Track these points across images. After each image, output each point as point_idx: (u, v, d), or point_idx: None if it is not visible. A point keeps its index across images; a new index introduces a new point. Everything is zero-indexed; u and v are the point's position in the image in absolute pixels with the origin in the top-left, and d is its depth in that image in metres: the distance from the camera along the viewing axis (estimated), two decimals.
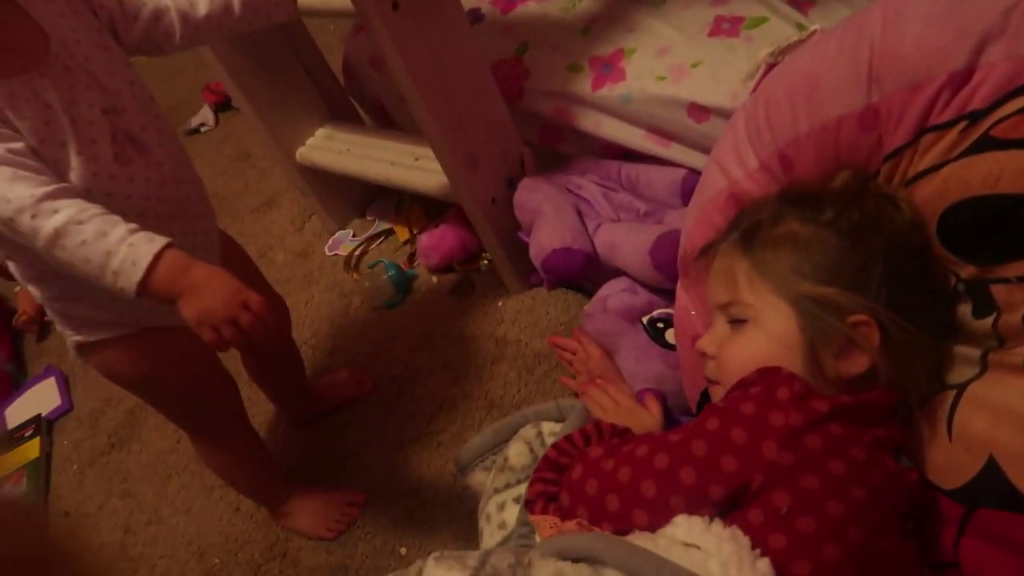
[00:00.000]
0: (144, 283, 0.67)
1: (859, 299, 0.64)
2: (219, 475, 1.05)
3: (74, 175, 0.72)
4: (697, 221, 0.85)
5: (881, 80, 0.72)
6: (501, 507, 0.87)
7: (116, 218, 0.68)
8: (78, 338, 0.84)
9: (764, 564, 0.54)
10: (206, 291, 0.69)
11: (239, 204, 1.73)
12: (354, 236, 1.50)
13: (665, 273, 0.93)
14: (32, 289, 0.81)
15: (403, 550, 1.02)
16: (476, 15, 1.29)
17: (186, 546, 1.15)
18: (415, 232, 1.43)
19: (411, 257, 1.40)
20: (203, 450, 1.01)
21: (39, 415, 1.43)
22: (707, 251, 0.78)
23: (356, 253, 1.45)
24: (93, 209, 0.67)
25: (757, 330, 0.68)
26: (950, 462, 0.68)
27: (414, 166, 1.23)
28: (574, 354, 1.06)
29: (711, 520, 0.59)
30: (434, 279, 1.34)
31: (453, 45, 1.01)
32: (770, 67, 0.92)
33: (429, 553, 0.98)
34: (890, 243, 0.66)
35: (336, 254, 1.48)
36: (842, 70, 0.75)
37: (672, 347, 0.94)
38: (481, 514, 0.89)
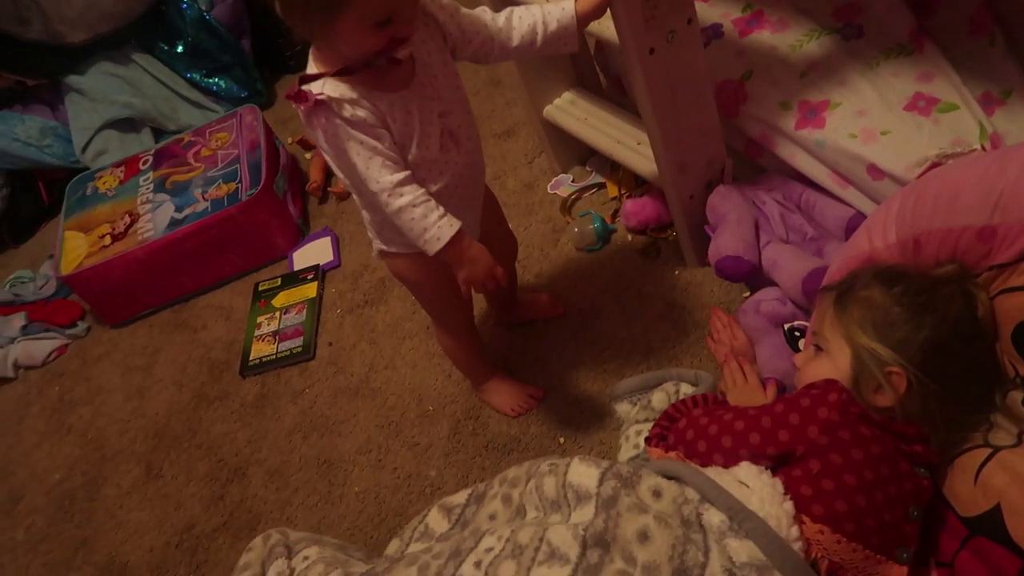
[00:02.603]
0: (440, 252, 1.06)
1: (897, 356, 0.91)
2: (446, 352, 1.46)
3: (411, 156, 1.06)
4: (838, 269, 1.11)
5: (1005, 210, 0.95)
6: (639, 434, 1.21)
7: (433, 204, 1.04)
8: (383, 247, 1.22)
9: (789, 505, 0.87)
10: (473, 265, 1.09)
11: (484, 127, 2.08)
12: (573, 181, 1.82)
13: (809, 300, 1.19)
14: (365, 213, 1.19)
15: (562, 439, 1.40)
16: (716, 31, 1.53)
17: (410, 391, 1.59)
18: (622, 192, 1.73)
19: (614, 214, 1.71)
20: (441, 333, 1.41)
21: (317, 265, 1.91)
22: (823, 292, 1.05)
23: (572, 197, 1.78)
24: (422, 196, 1.04)
25: (827, 358, 0.97)
26: (968, 497, 0.94)
27: (635, 149, 1.52)
28: (725, 327, 1.36)
29: (764, 470, 0.90)
30: (629, 237, 1.66)
31: (689, 77, 1.27)
32: (934, 164, 1.13)
33: (580, 447, 1.37)
34: (940, 323, 0.92)
35: (556, 193, 1.82)
36: (978, 192, 0.97)
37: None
38: (622, 434, 1.24)
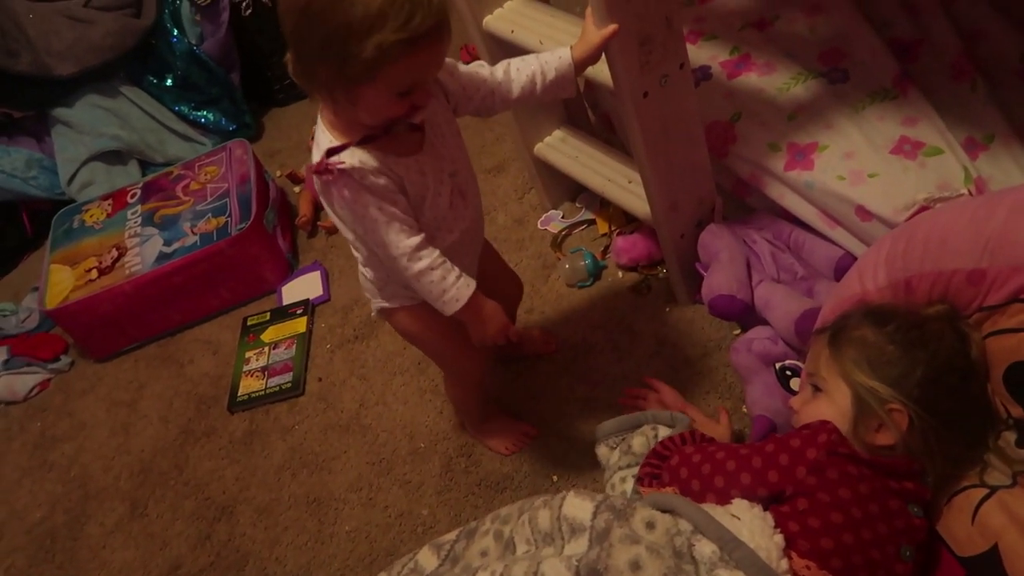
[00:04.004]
0: (458, 312, 1.09)
1: (896, 393, 0.92)
2: (452, 400, 1.46)
3: (425, 216, 1.07)
4: (831, 310, 1.13)
5: (994, 254, 0.97)
6: (623, 480, 1.21)
7: (449, 265, 1.07)
8: (384, 304, 1.21)
9: (779, 538, 0.88)
10: (487, 323, 1.13)
11: (474, 162, 2.03)
12: (563, 217, 1.84)
13: (802, 340, 1.21)
14: (366, 270, 1.18)
15: (555, 477, 1.40)
16: (705, 73, 1.56)
17: (401, 428, 1.58)
18: (612, 229, 1.75)
19: (605, 250, 1.72)
20: (448, 382, 1.41)
21: (307, 299, 1.90)
22: (816, 334, 1.07)
23: (562, 233, 1.80)
24: (439, 258, 1.06)
25: (826, 399, 0.99)
26: (966, 537, 0.95)
27: (626, 188, 1.54)
28: (645, 399, 1.36)
29: (755, 504, 0.92)
30: (620, 274, 1.67)
31: (681, 119, 1.30)
32: (922, 208, 1.16)
33: (574, 485, 1.36)
34: (933, 358, 0.93)
35: (546, 229, 1.83)
36: (968, 235, 0.99)
37: (793, 392, 1.23)
38: (607, 483, 1.24)
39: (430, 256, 1.05)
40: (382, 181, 1.00)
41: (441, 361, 1.35)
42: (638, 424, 1.24)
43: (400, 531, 1.43)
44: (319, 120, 1.03)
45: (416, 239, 1.04)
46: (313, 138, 1.04)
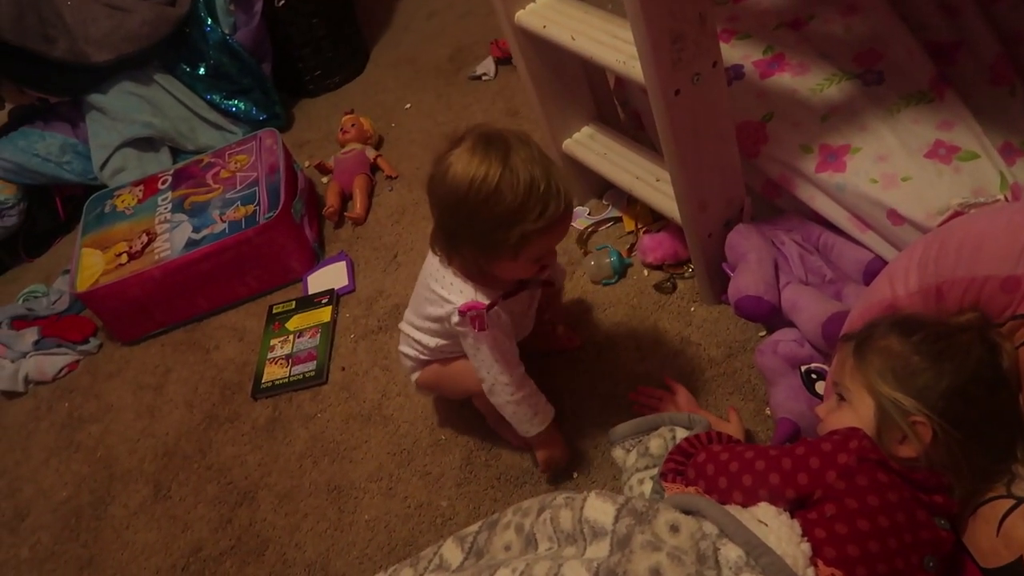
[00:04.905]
0: (538, 433, 1.30)
1: (920, 405, 0.91)
2: (481, 409, 1.47)
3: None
4: (859, 315, 1.12)
5: None
6: (641, 482, 1.20)
7: (540, 395, 1.30)
8: (418, 372, 1.41)
9: (806, 547, 0.87)
10: (555, 447, 1.35)
11: None
12: (589, 214, 1.84)
13: (829, 344, 1.20)
14: (420, 348, 1.35)
15: (575, 474, 1.40)
16: (738, 72, 1.55)
17: (423, 420, 1.59)
18: (639, 227, 1.74)
19: (631, 248, 1.72)
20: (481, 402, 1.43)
21: (332, 289, 1.92)
22: (843, 341, 1.06)
23: (588, 230, 1.80)
24: (534, 388, 1.29)
25: (850, 409, 0.98)
26: (990, 548, 0.94)
27: (654, 186, 1.53)
28: (660, 399, 1.36)
29: (782, 511, 0.91)
30: (645, 272, 1.66)
31: (712, 118, 1.29)
32: (956, 213, 1.14)
33: (593, 482, 1.36)
34: (960, 370, 0.92)
35: (572, 226, 1.83)
36: (1003, 242, 0.98)
37: (818, 396, 1.22)
38: (624, 484, 1.23)
39: (530, 383, 1.28)
40: (504, 317, 1.22)
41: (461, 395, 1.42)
42: (655, 426, 1.24)
43: (419, 522, 1.43)
44: (445, 270, 1.20)
45: (521, 368, 1.26)
46: (427, 273, 1.25)
